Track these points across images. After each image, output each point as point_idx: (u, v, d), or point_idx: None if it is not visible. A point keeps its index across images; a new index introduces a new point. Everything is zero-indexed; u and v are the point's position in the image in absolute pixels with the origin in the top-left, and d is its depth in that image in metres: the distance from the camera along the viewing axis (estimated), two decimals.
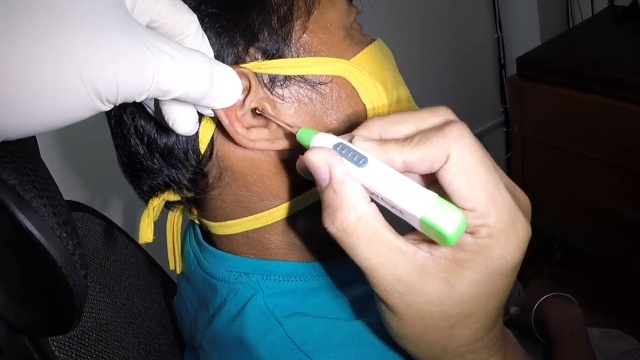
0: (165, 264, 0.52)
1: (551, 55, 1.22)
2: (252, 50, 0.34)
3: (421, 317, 0.26)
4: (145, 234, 0.40)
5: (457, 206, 0.25)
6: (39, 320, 0.38)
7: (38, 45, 0.22)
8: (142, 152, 0.37)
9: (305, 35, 0.35)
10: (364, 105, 0.37)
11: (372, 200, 0.26)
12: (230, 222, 0.40)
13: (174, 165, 0.37)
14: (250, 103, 0.34)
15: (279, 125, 0.33)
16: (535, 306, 0.73)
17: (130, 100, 0.26)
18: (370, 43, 0.38)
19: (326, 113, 0.36)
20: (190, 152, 0.36)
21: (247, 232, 0.40)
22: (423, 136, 0.25)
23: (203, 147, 0.36)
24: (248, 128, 0.34)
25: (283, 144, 0.35)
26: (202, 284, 0.44)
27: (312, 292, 0.40)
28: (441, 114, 0.27)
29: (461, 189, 0.25)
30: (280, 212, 0.38)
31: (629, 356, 0.76)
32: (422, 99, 0.41)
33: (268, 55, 0.34)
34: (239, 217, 0.39)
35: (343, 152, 0.26)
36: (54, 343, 0.44)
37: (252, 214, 0.39)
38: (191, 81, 0.27)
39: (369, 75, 0.36)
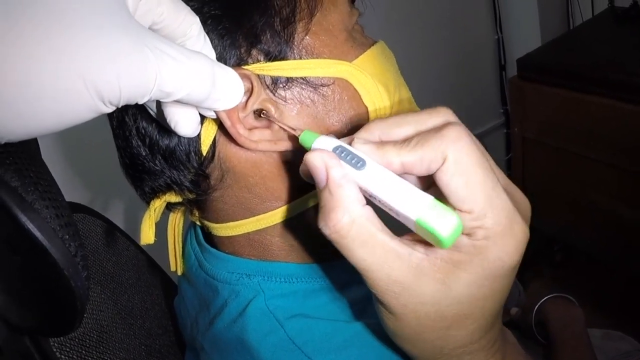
0: (166, 265, 0.52)
1: (552, 56, 1.22)
2: (254, 52, 0.34)
3: (417, 318, 0.26)
4: (147, 235, 0.40)
5: (454, 208, 0.25)
6: (41, 321, 0.38)
7: (38, 45, 0.22)
8: (144, 154, 0.37)
9: (307, 37, 0.35)
10: (366, 107, 0.37)
11: (370, 202, 0.26)
12: (231, 223, 0.40)
13: (176, 167, 0.37)
14: (253, 105, 0.34)
15: (281, 128, 0.33)
16: (536, 307, 0.73)
17: (132, 102, 0.26)
18: (372, 45, 0.38)
19: (328, 115, 0.36)
20: (192, 153, 0.36)
21: (248, 233, 0.40)
22: (421, 138, 0.25)
23: (205, 148, 0.36)
24: (250, 129, 0.34)
25: (285, 145, 0.35)
26: (203, 285, 0.44)
27: (312, 294, 0.40)
28: (441, 116, 0.27)
29: (458, 191, 0.25)
30: (281, 213, 0.38)
31: (630, 357, 0.75)
32: (422, 99, 0.41)
33: (270, 57, 0.34)
34: (241, 219, 0.39)
35: (342, 154, 0.27)
36: (55, 344, 0.44)
37: (254, 216, 0.39)
38: (193, 83, 0.27)
39: (371, 77, 0.37)
